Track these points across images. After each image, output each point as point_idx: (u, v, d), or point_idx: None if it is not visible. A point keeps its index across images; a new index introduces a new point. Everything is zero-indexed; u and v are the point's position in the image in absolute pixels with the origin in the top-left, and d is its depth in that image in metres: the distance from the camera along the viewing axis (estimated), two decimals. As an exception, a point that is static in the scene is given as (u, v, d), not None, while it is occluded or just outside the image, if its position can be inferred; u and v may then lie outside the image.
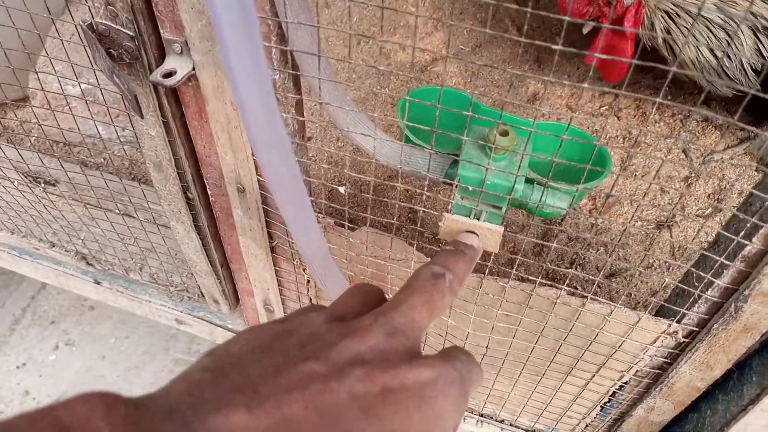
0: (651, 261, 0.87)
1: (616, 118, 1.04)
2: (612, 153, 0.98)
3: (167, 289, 0.79)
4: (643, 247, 0.89)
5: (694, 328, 0.48)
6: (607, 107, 1.06)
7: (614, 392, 0.62)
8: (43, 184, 0.81)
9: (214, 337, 0.82)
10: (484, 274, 0.51)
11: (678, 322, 0.49)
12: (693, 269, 0.46)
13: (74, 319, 1.29)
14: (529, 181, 0.46)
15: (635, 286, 0.83)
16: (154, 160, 0.55)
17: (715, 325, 0.46)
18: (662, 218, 0.91)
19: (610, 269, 0.86)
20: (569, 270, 0.46)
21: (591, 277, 0.48)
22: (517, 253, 0.88)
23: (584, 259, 0.86)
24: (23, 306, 1.31)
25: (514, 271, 0.48)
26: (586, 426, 0.71)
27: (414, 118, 0.52)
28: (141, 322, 1.28)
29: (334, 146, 0.95)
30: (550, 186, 0.45)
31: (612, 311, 0.50)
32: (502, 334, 0.57)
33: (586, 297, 0.50)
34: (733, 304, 0.44)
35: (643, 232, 0.90)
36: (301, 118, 0.47)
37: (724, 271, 0.43)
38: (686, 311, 0.47)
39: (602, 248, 0.87)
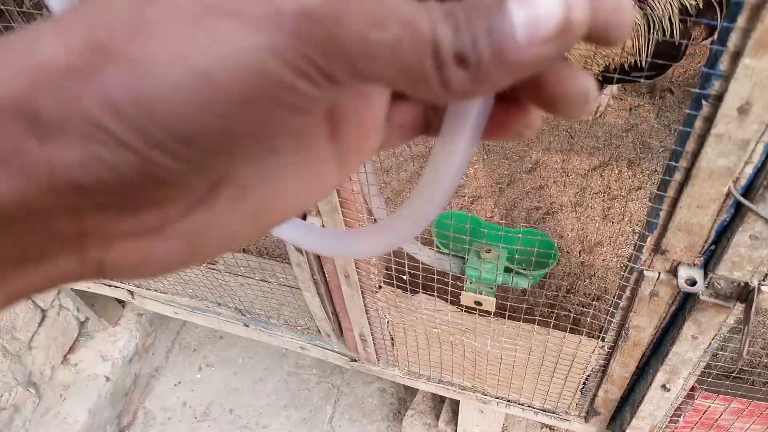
0: (625, 286, 1.22)
1: (600, 177, 1.40)
2: (594, 206, 1.34)
3: (294, 328, 1.20)
4: (618, 277, 1.24)
5: (612, 344, 0.85)
6: (593, 168, 1.41)
7: (584, 382, 0.99)
8: (206, 264, 1.24)
9: (326, 356, 1.23)
10: (491, 315, 0.89)
11: (602, 340, 0.86)
12: (604, 307, 0.83)
13: (210, 346, 1.74)
14: (508, 270, 0.84)
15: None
16: (297, 261, 0.96)
17: (620, 342, 0.83)
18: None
19: (595, 294, 1.22)
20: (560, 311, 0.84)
21: (580, 300, 0.85)
22: (521, 303, 1.25)
23: (575, 288, 1.23)
24: (172, 339, 1.76)
25: (507, 316, 0.87)
26: (576, 404, 1.08)
27: (443, 228, 0.91)
28: (259, 346, 1.70)
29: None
30: (518, 272, 0.83)
31: (564, 336, 0.87)
32: (509, 350, 0.96)
33: (549, 327, 0.87)
34: (623, 332, 0.80)
35: (619, 265, 1.26)
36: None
37: (616, 311, 0.80)
38: (603, 335, 0.84)
39: (587, 279, 1.23)
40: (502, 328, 0.90)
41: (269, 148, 0.18)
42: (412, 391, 1.56)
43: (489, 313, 0.88)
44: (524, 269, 0.83)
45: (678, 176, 0.57)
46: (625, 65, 1.25)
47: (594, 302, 1.21)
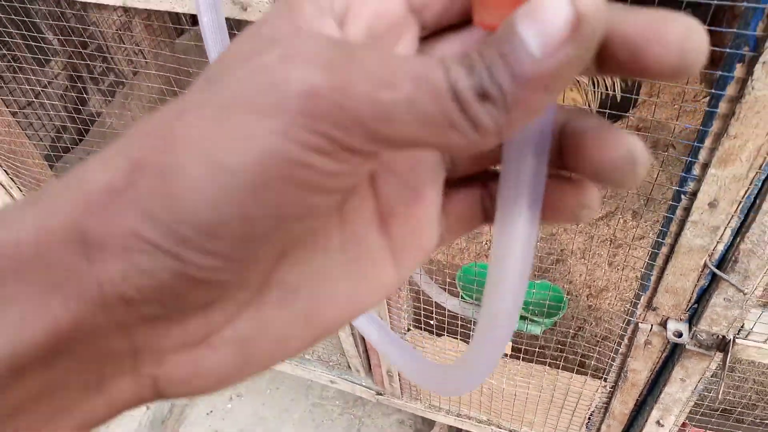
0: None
1: (606, 226, 1.53)
2: (601, 253, 1.47)
3: (327, 363, 1.33)
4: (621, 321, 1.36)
5: (613, 384, 0.97)
6: (601, 218, 1.54)
7: (589, 417, 1.10)
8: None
9: (354, 389, 1.35)
10: (507, 357, 1.01)
11: (605, 381, 0.98)
12: (605, 352, 0.95)
13: (240, 377, 1.86)
14: (523, 318, 0.97)
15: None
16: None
17: (619, 382, 0.95)
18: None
19: (599, 339, 1.34)
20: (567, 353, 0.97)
21: (586, 345, 0.97)
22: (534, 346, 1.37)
23: (583, 330, 1.35)
24: (204, 369, 1.89)
25: (521, 356, 0.99)
26: (583, 437, 1.19)
27: (467, 281, 1.04)
28: (285, 378, 1.82)
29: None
30: (532, 320, 0.96)
31: (572, 376, 0.99)
32: (522, 387, 1.08)
33: (559, 368, 0.99)
34: (623, 373, 0.93)
35: (623, 309, 1.38)
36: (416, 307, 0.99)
37: (617, 355, 0.92)
38: (606, 376, 0.96)
39: (594, 322, 1.35)
40: (516, 368, 1.03)
41: (312, 243, 0.18)
42: (429, 423, 1.67)
43: (505, 355, 1.00)
44: (537, 317, 0.96)
45: (665, 250, 0.71)
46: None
47: (597, 346, 1.33)
